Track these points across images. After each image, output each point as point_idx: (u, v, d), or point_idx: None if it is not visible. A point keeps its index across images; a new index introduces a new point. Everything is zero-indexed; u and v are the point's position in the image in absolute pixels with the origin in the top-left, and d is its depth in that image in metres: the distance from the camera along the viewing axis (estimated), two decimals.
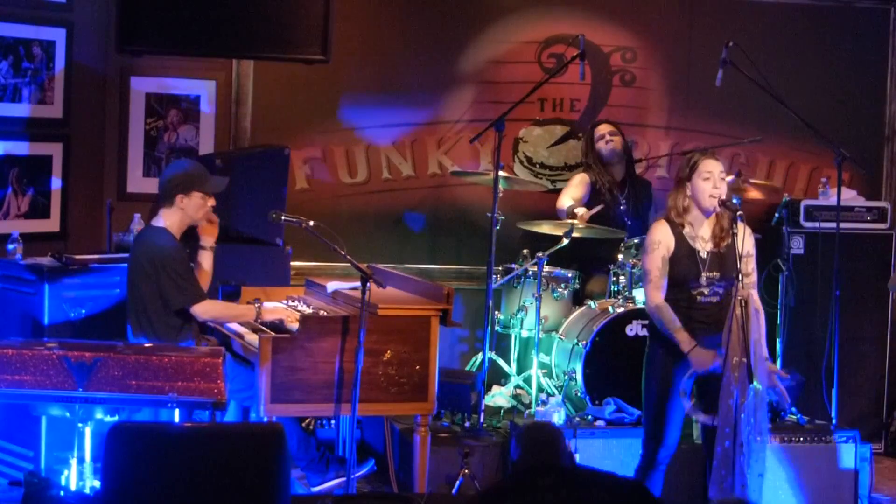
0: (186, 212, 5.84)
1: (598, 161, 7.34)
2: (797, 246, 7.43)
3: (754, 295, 5.55)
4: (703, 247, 5.50)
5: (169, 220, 5.85)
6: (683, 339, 5.42)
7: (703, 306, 5.48)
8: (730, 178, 6.80)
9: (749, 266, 5.53)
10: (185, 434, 4.20)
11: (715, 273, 5.46)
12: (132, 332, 5.85)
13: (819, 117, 7.46)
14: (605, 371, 6.59)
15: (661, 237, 5.52)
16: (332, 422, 6.81)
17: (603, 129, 7.38)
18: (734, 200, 5.56)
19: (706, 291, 5.46)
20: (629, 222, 7.23)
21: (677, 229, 5.51)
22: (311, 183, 7.60)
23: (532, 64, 7.76)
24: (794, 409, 6.64)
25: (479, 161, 7.73)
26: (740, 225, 5.43)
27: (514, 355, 7.10)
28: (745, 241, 5.47)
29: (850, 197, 7.48)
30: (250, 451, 3.99)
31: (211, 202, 5.92)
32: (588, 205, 7.17)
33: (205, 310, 5.81)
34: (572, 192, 7.27)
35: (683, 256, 5.48)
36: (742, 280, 5.33)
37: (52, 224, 7.10)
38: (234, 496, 3.93)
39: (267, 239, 6.83)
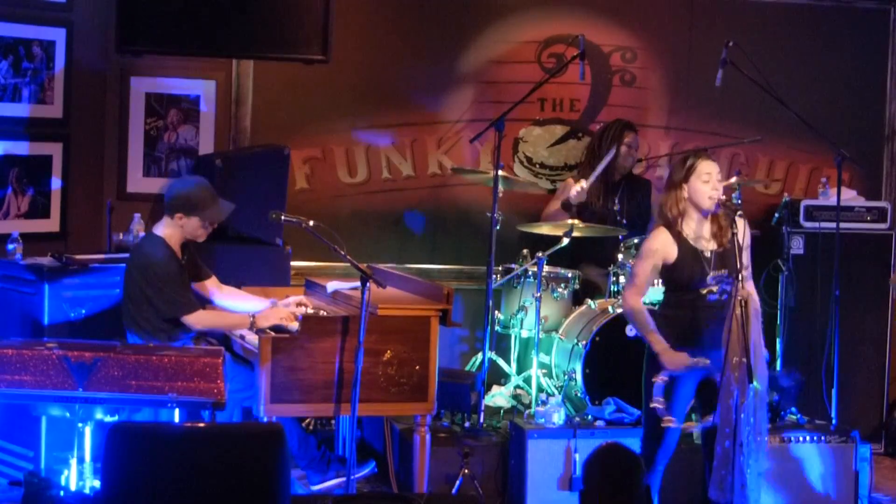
0: (185, 230, 5.85)
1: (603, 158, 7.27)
2: (797, 246, 7.43)
3: (749, 286, 5.54)
4: (707, 246, 5.49)
5: (168, 230, 5.85)
6: (655, 341, 5.46)
7: (710, 304, 5.46)
8: (732, 179, 6.82)
9: (745, 258, 5.53)
10: (185, 434, 4.20)
11: (722, 271, 5.45)
12: (126, 331, 5.85)
13: (819, 117, 7.46)
14: (605, 371, 6.59)
15: (660, 246, 5.50)
16: (332, 422, 6.82)
17: (632, 137, 7.31)
18: (734, 200, 5.56)
19: (715, 289, 5.44)
20: (624, 222, 7.22)
21: (678, 234, 5.49)
22: (311, 183, 7.60)
23: (532, 64, 7.76)
24: (794, 409, 6.65)
25: (479, 161, 7.72)
26: (739, 220, 5.43)
27: (514, 355, 7.10)
28: (745, 234, 5.47)
29: (850, 197, 7.48)
30: (250, 451, 3.99)
31: (211, 227, 5.93)
32: (581, 211, 7.15)
33: (197, 320, 5.81)
34: (559, 202, 7.21)
35: (688, 259, 5.47)
36: (741, 278, 5.33)
37: (52, 224, 7.10)
38: (234, 496, 3.93)
39: (267, 239, 6.83)
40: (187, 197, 5.82)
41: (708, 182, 5.44)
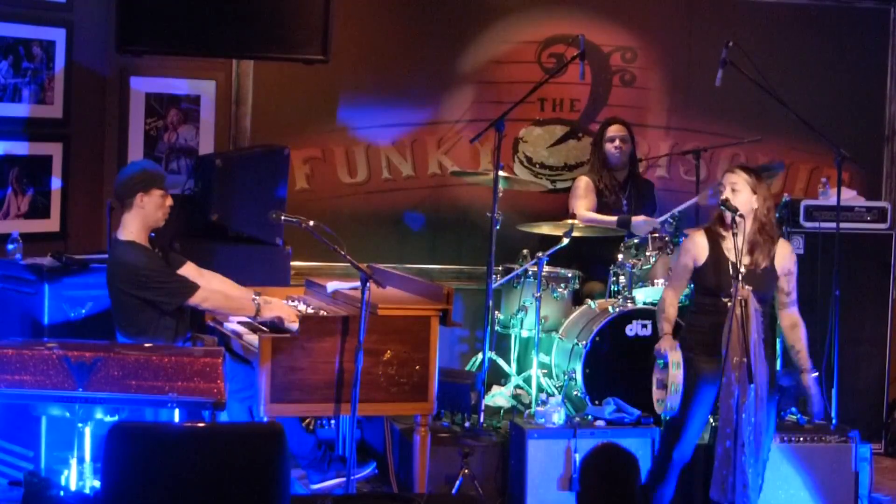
0: (147, 210, 5.78)
1: (602, 161, 7.33)
2: (797, 246, 7.42)
3: (794, 311, 5.71)
4: (736, 258, 5.49)
5: (131, 226, 5.78)
6: (661, 327, 5.68)
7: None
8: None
9: (790, 284, 5.66)
10: (185, 434, 4.20)
11: (748, 286, 5.45)
12: (120, 337, 5.82)
13: (819, 117, 7.46)
14: (605, 371, 6.59)
15: (692, 246, 5.64)
16: (332, 421, 6.82)
17: (614, 131, 7.33)
18: None
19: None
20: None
21: (714, 239, 5.59)
22: (311, 183, 7.60)
23: (532, 64, 7.76)
24: (794, 409, 6.65)
25: (479, 161, 7.73)
26: (783, 242, 5.52)
27: (514, 355, 7.10)
28: (787, 259, 5.61)
29: (850, 197, 7.47)
30: (250, 451, 3.99)
31: (169, 202, 5.87)
32: (600, 210, 7.20)
33: (204, 298, 5.77)
34: (585, 203, 7.24)
35: (716, 266, 5.54)
36: (741, 280, 5.35)
37: (52, 224, 7.10)
38: (234, 496, 3.93)
39: (267, 239, 6.83)
40: (142, 174, 5.83)
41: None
